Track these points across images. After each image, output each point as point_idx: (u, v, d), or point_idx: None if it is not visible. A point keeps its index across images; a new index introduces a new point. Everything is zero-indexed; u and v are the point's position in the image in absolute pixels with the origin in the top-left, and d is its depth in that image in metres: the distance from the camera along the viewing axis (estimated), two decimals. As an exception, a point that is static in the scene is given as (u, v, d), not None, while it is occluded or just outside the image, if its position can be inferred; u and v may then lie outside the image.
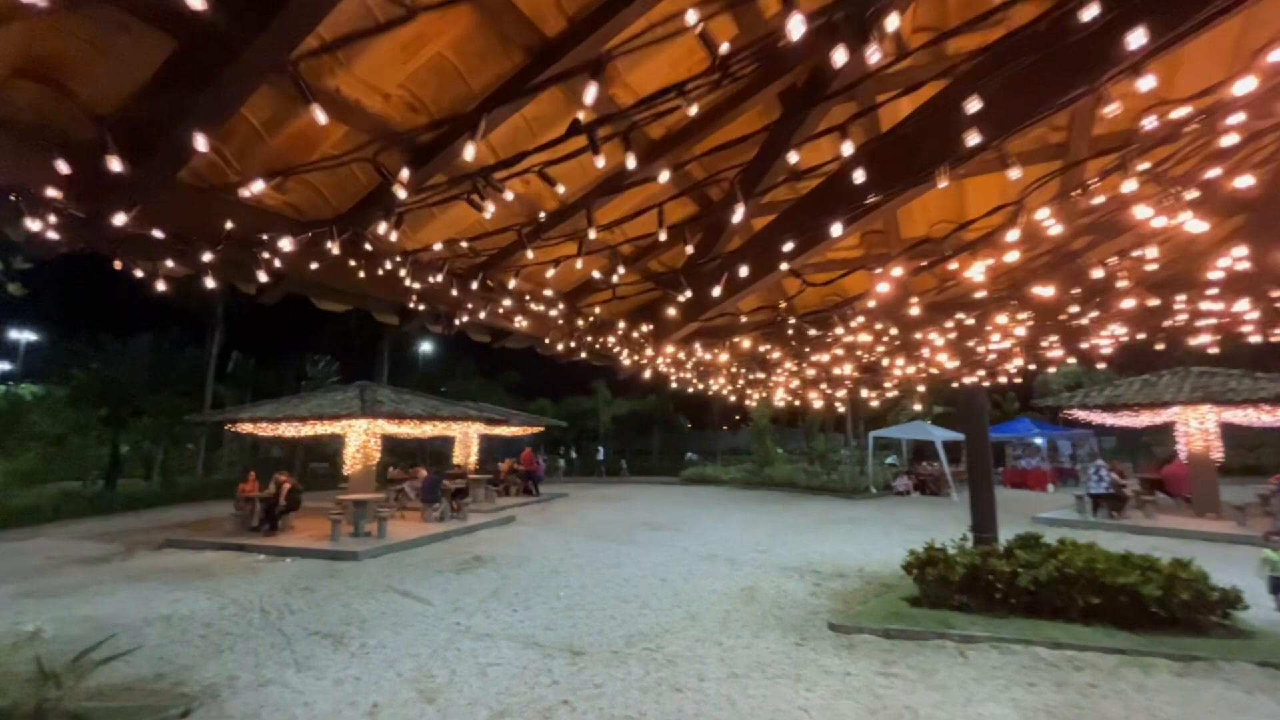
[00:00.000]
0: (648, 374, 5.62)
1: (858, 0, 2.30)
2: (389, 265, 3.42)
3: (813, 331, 4.83)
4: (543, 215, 3.53)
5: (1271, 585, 7.04)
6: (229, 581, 10.02)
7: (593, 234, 2.89)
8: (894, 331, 4.91)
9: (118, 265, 2.90)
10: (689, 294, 3.75)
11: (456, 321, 3.94)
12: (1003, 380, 7.69)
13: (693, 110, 2.28)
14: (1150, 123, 2.32)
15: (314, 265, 3.10)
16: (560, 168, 2.59)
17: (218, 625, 7.78)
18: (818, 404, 7.62)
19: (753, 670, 6.05)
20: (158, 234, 2.70)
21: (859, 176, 2.50)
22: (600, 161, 2.34)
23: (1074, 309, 4.32)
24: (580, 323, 4.67)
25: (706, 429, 55.41)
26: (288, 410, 13.59)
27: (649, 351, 5.17)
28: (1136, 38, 1.86)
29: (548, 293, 4.51)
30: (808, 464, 27.77)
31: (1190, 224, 2.78)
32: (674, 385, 6.42)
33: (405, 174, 2.63)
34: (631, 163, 2.43)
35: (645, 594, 8.98)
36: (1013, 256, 3.00)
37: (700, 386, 7.00)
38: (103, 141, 2.16)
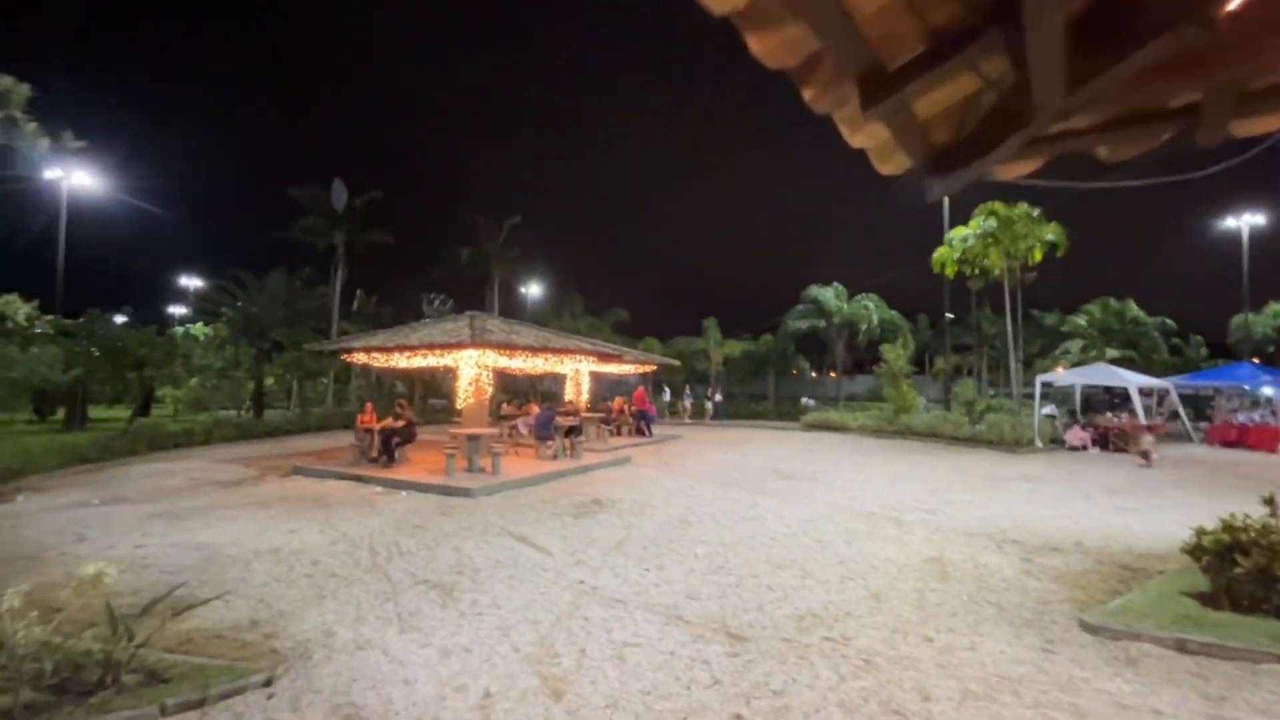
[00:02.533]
0: None
1: None
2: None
3: None
4: None
5: None
6: (344, 513, 9.49)
7: None
8: None
9: None
10: None
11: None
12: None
13: None
14: None
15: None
16: None
17: (325, 564, 7.04)
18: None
19: (999, 689, 4.25)
20: None
21: None
22: None
23: None
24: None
25: (822, 374, 51.24)
26: (399, 339, 12.92)
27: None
28: None
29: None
30: (945, 411, 24.65)
31: None
32: None
33: None
34: None
35: (802, 558, 7.34)
36: None
37: None
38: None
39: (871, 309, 36.88)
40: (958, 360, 39.10)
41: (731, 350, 39.24)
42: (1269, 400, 20.93)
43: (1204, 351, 39.04)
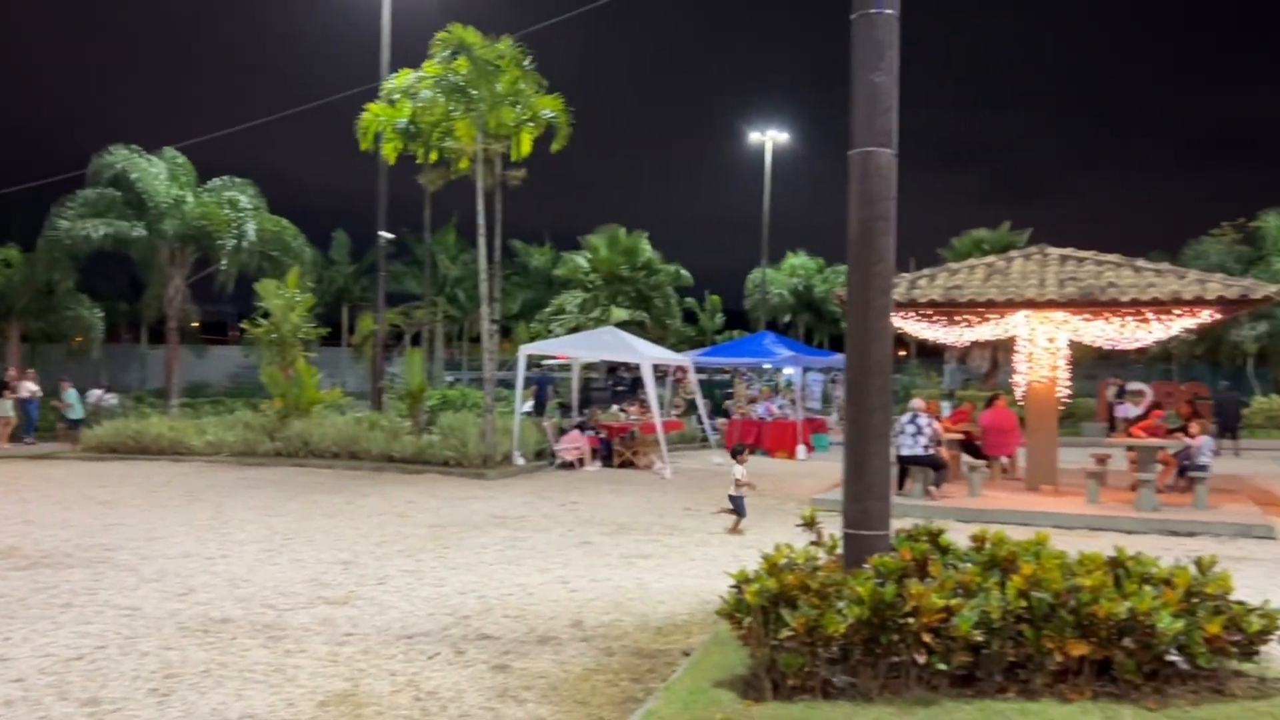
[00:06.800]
0: None
1: None
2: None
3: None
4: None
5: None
6: None
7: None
8: None
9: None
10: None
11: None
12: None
13: None
14: None
15: None
16: None
17: None
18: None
19: None
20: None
21: None
22: None
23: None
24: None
25: (141, 340, 29.05)
26: None
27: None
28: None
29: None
30: (375, 410, 15.91)
31: None
32: None
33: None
34: None
35: None
36: None
37: None
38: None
39: (246, 208, 19.00)
40: (402, 316, 21.31)
41: None
42: (789, 386, 17.27)
43: (720, 319, 32.46)
